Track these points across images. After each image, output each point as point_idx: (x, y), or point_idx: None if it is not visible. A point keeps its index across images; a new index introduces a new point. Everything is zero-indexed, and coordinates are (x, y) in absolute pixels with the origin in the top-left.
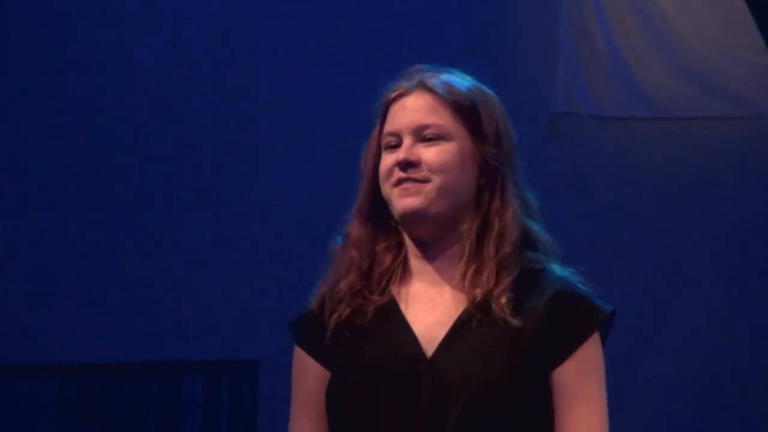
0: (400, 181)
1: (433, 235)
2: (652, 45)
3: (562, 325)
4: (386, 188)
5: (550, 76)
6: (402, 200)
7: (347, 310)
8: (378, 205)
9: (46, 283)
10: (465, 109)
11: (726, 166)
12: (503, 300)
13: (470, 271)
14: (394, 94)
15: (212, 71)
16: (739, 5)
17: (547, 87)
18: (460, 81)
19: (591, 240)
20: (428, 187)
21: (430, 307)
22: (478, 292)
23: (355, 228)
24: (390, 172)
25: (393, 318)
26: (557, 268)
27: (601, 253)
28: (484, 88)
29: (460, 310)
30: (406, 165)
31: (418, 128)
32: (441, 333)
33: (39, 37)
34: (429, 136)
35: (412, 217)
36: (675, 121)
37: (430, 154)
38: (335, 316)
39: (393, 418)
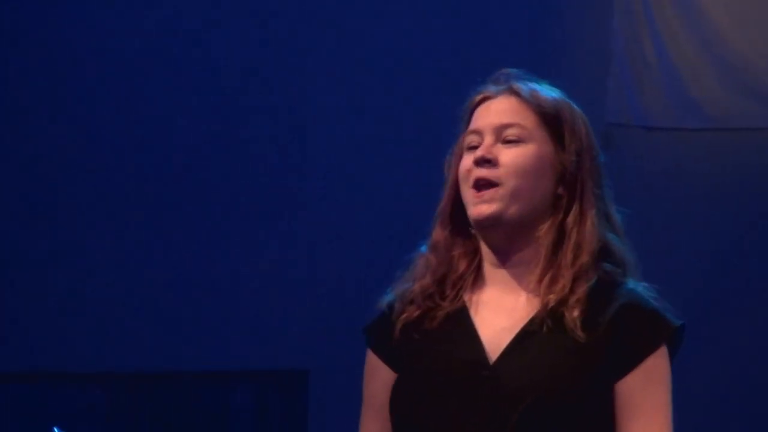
0: (477, 183)
1: (508, 241)
2: (704, 55)
3: (628, 337)
4: (465, 191)
5: (602, 87)
6: (476, 207)
7: (416, 312)
8: (459, 210)
9: (97, 292)
10: (548, 116)
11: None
12: (576, 313)
13: (546, 278)
14: (480, 97)
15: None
16: None
17: (600, 98)
18: (547, 90)
19: (642, 249)
20: (501, 191)
21: (499, 313)
22: (552, 298)
23: (437, 233)
24: (469, 172)
25: (461, 323)
26: (631, 282)
27: (653, 262)
28: (572, 102)
29: (529, 316)
30: (483, 162)
31: (500, 128)
32: (507, 339)
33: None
34: (510, 137)
35: (486, 223)
36: (727, 131)
37: (508, 155)
38: (404, 316)
39: (453, 422)
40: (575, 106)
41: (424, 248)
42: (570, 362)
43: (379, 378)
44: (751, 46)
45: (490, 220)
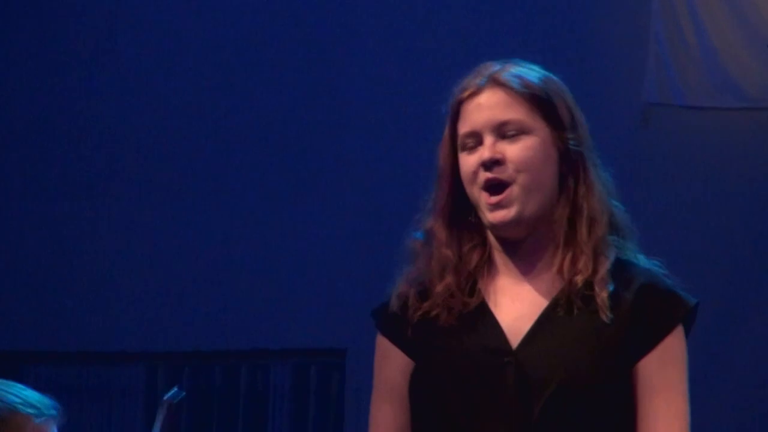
0: (488, 186)
1: (524, 232)
2: (743, 36)
3: (647, 318)
4: (474, 192)
5: (641, 66)
6: (494, 214)
7: (436, 308)
8: (458, 205)
9: (142, 275)
10: (540, 100)
11: None
12: (604, 293)
13: (567, 260)
14: (466, 93)
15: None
16: None
17: (639, 78)
18: (531, 72)
19: (681, 229)
20: (515, 191)
21: (517, 299)
22: (579, 279)
23: (439, 228)
24: (475, 173)
25: (480, 312)
26: (643, 259)
27: (690, 242)
28: (553, 75)
29: (549, 301)
30: (491, 164)
31: (499, 125)
32: (527, 325)
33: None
34: (510, 132)
35: (506, 227)
36: (765, 111)
37: (514, 150)
38: (422, 311)
39: (478, 409)
40: (557, 79)
41: (419, 235)
42: (592, 346)
43: (393, 363)
44: None
45: (512, 224)
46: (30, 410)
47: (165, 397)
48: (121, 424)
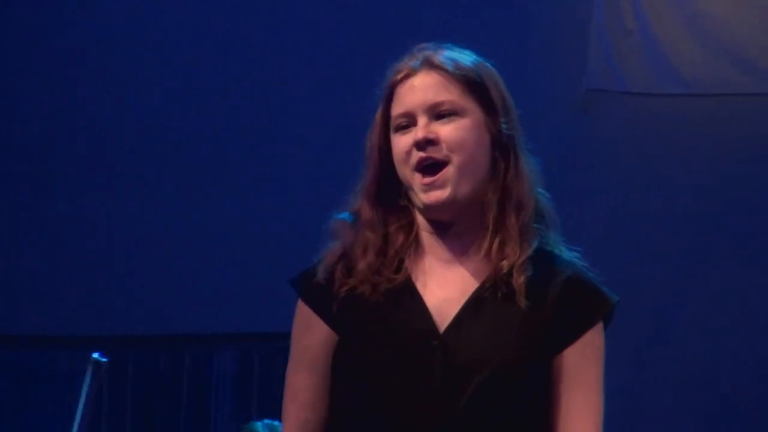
0: (422, 165)
1: (455, 214)
2: (683, 23)
3: (571, 311)
4: (405, 172)
5: (583, 53)
6: (428, 194)
7: (361, 285)
8: (387, 186)
9: (92, 262)
10: (474, 83)
11: (753, 143)
12: (522, 279)
13: (495, 244)
14: (400, 75)
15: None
16: None
17: (580, 64)
18: (464, 56)
19: (621, 213)
20: (450, 171)
21: (444, 282)
22: (505, 264)
23: (365, 209)
24: (408, 154)
25: (407, 292)
26: (565, 250)
27: (630, 227)
28: (485, 61)
29: (476, 285)
30: (425, 143)
31: (432, 106)
32: (454, 308)
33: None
34: (444, 112)
35: (440, 208)
36: (704, 97)
37: (447, 131)
38: (347, 287)
39: (404, 390)
40: (490, 65)
41: (345, 216)
42: (517, 334)
43: (315, 333)
44: (731, 14)
45: (446, 205)
46: None
47: (93, 356)
48: (67, 406)
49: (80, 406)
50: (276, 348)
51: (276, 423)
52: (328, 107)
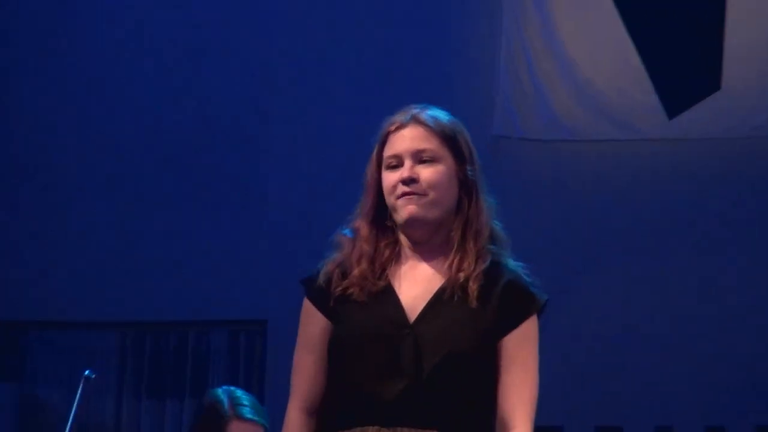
0: (403, 194)
1: (426, 235)
2: (562, 76)
3: (511, 307)
4: (391, 200)
5: (490, 103)
6: (406, 208)
7: (352, 288)
8: (380, 211)
9: (116, 254)
10: (449, 138)
11: (607, 185)
12: (475, 286)
13: (457, 259)
14: (393, 126)
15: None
16: (632, 48)
17: (488, 114)
18: (442, 115)
19: (523, 242)
20: (425, 199)
21: (414, 284)
22: (462, 275)
23: (363, 227)
24: (394, 187)
25: (387, 292)
26: (511, 262)
27: (529, 249)
28: (457, 120)
29: (438, 287)
30: (409, 181)
31: (417, 152)
32: (421, 305)
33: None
34: (425, 158)
35: (413, 223)
36: (582, 143)
37: (427, 173)
38: (341, 288)
39: (381, 368)
40: (461, 125)
41: (347, 231)
42: (470, 326)
43: (316, 323)
44: (597, 70)
45: (417, 219)
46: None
47: (85, 373)
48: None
49: (72, 411)
50: (257, 331)
51: (233, 388)
52: (315, 105)
